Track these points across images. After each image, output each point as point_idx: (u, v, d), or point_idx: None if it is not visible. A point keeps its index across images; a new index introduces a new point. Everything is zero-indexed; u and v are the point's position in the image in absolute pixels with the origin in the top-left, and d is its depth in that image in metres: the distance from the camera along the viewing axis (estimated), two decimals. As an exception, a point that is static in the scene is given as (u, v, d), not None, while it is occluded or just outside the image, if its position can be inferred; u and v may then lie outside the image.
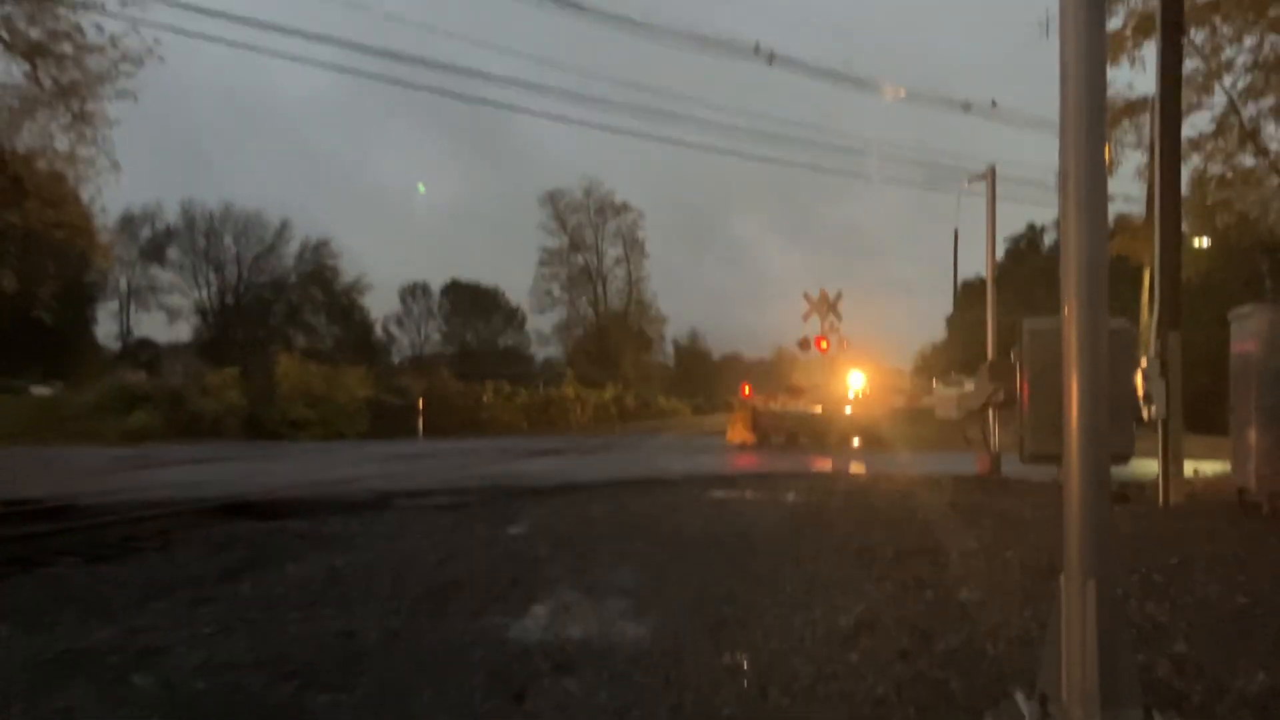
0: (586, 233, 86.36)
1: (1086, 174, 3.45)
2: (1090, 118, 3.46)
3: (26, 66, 21.44)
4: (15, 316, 30.88)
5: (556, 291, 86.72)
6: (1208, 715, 3.91)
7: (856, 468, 17.44)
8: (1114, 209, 22.83)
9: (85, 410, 32.39)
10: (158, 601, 6.06)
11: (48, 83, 21.43)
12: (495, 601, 6.11)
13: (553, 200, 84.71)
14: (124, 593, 6.35)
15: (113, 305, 68.63)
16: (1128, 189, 23.10)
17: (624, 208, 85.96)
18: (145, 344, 71.99)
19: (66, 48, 21.23)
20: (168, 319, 71.78)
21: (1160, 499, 11.72)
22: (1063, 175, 3.50)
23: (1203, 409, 22.38)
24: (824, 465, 18.70)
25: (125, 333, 70.64)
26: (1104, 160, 3.52)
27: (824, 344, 29.41)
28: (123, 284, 68.72)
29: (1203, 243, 23.48)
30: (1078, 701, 3.30)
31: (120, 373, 38.81)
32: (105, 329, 67.15)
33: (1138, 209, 21.34)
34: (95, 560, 7.64)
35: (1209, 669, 4.57)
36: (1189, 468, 13.19)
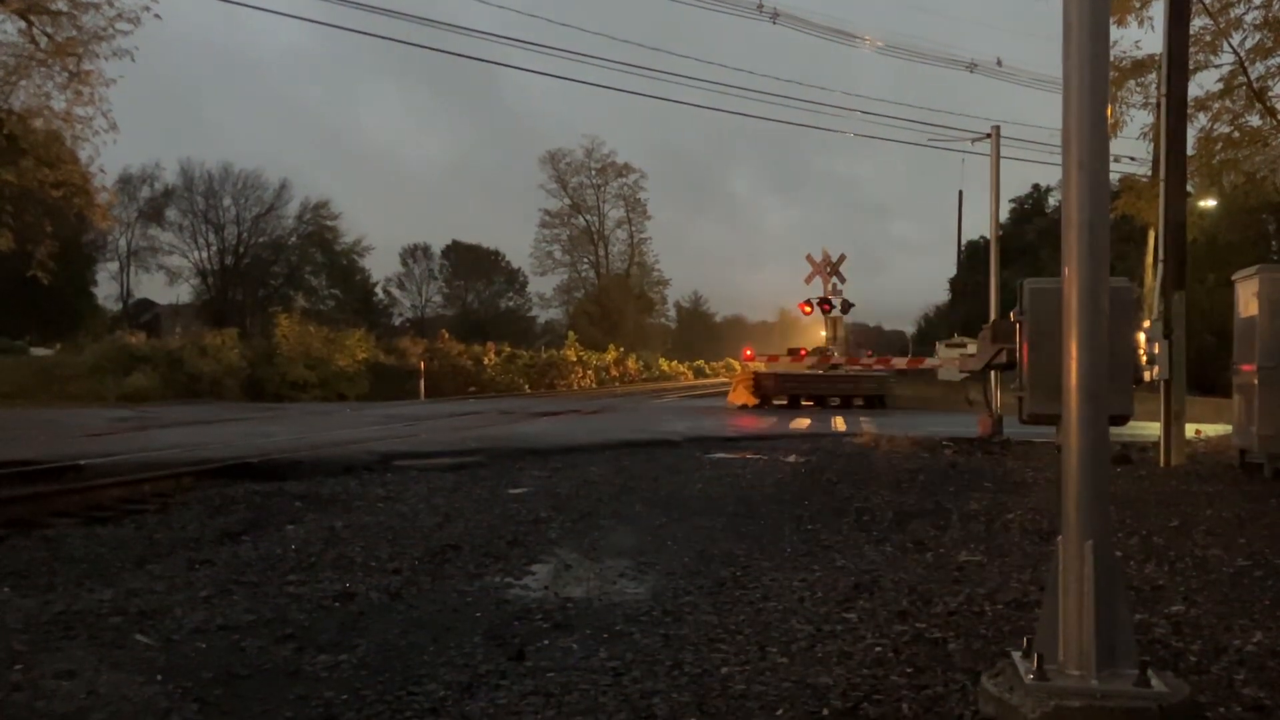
0: (588, 194, 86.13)
1: (1088, 133, 3.40)
2: (1093, 76, 3.41)
3: (21, 24, 21.24)
4: (13, 277, 30.80)
5: (558, 253, 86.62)
6: (1203, 674, 3.91)
7: (858, 429, 17.44)
8: (1120, 169, 22.68)
9: (84, 371, 32.35)
10: (156, 563, 6.07)
11: (43, 41, 21.24)
12: (495, 562, 6.12)
13: (553, 161, 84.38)
14: (122, 554, 6.36)
15: (112, 266, 68.50)
16: (1134, 149, 22.90)
17: (626, 168, 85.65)
18: (145, 305, 71.95)
19: (61, 4, 21.02)
20: (168, 280, 71.57)
21: (1162, 460, 11.72)
22: (1065, 134, 3.45)
23: (1207, 370, 22.38)
24: (825, 427, 18.70)
25: (125, 294, 70.54)
26: (1106, 119, 3.47)
27: (826, 306, 29.40)
28: (122, 245, 68.54)
29: (1209, 203, 23.32)
30: (1074, 661, 3.30)
31: (120, 334, 38.70)
32: (105, 290, 67.04)
33: (1144, 169, 21.19)
34: (93, 522, 7.64)
35: (1206, 629, 4.58)
36: (1191, 429, 13.19)
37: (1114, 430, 12.08)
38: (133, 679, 3.88)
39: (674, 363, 75.23)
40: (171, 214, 70.45)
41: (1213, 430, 15.17)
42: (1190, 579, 5.65)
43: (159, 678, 3.91)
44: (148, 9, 21.30)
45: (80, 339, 37.25)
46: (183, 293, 72.17)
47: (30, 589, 5.43)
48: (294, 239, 74.72)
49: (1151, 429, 12.53)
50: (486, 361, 45.25)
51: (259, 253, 72.95)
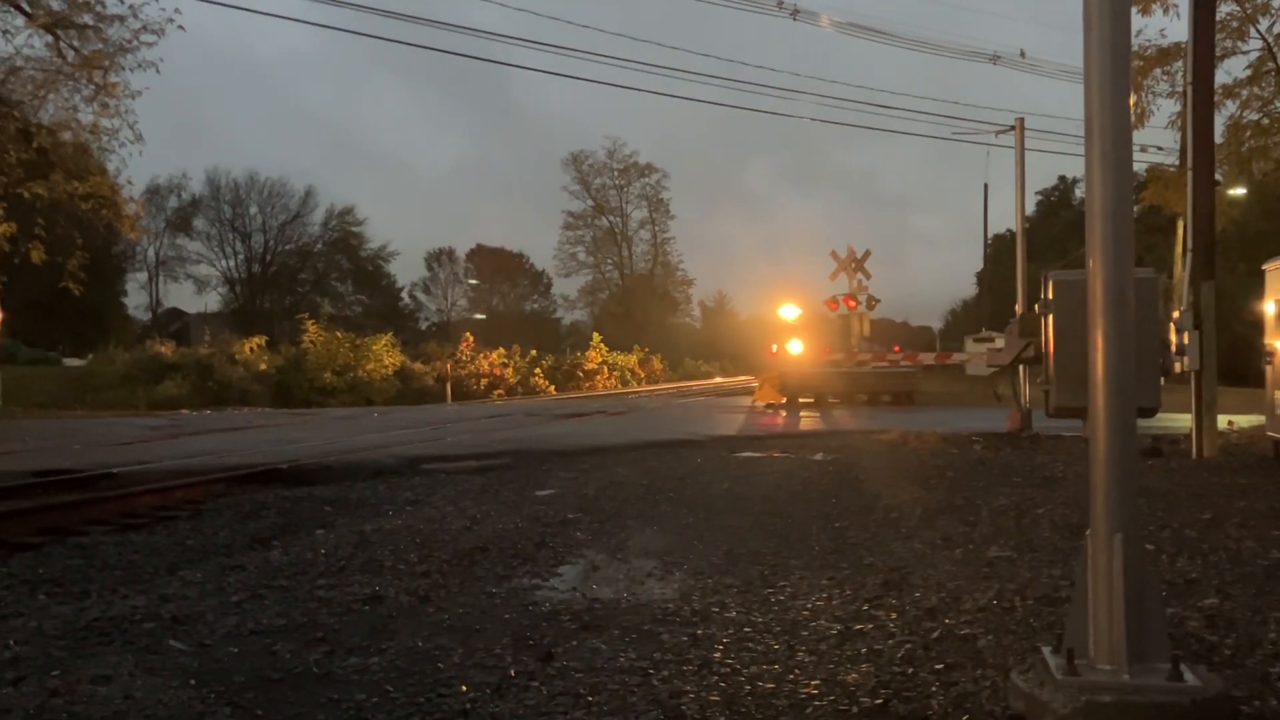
0: (610, 195, 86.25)
1: (1111, 123, 3.38)
2: (1115, 66, 3.38)
3: (48, 38, 21.53)
4: (46, 289, 31.21)
5: (582, 255, 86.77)
6: (1238, 668, 3.87)
7: (885, 426, 17.36)
8: (1148, 159, 22.49)
9: (116, 380, 32.72)
10: (189, 569, 6.13)
11: (70, 54, 21.51)
12: (523, 564, 6.14)
13: (576, 162, 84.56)
14: (155, 561, 6.43)
15: (141, 276, 69.36)
16: (1161, 139, 22.71)
17: (648, 168, 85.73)
18: (174, 314, 72.75)
19: (87, 18, 21.29)
20: (196, 289, 72.54)
21: (1194, 452, 11.60)
22: (1087, 126, 3.43)
23: (1238, 360, 22.11)
24: (852, 424, 18.64)
25: (154, 303, 71.37)
26: (1129, 109, 3.44)
27: (852, 303, 29.24)
28: (151, 255, 69.36)
29: (1238, 192, 23.07)
30: (1105, 656, 3.27)
31: (150, 343, 39.13)
32: (135, 300, 67.95)
33: (1172, 159, 21.00)
34: (127, 529, 7.72)
35: (1240, 622, 4.53)
36: (1223, 420, 13.04)
37: (1145, 422, 11.93)
38: (167, 683, 3.92)
39: (699, 362, 75.13)
40: (199, 223, 71.36)
41: (1245, 421, 14.99)
42: (1224, 572, 5.59)
43: (193, 682, 3.95)
44: (171, 20, 21.56)
45: (111, 349, 37.63)
46: (211, 301, 73.08)
47: (67, 596, 5.50)
48: (320, 246, 75.38)
49: (1183, 421, 12.40)
50: (512, 364, 45.37)
51: (286, 260, 73.62)
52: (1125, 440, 3.36)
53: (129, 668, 4.12)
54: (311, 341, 37.58)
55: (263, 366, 35.45)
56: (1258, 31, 17.03)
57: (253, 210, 72.14)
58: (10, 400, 25.66)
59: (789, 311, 29.40)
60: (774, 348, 30.22)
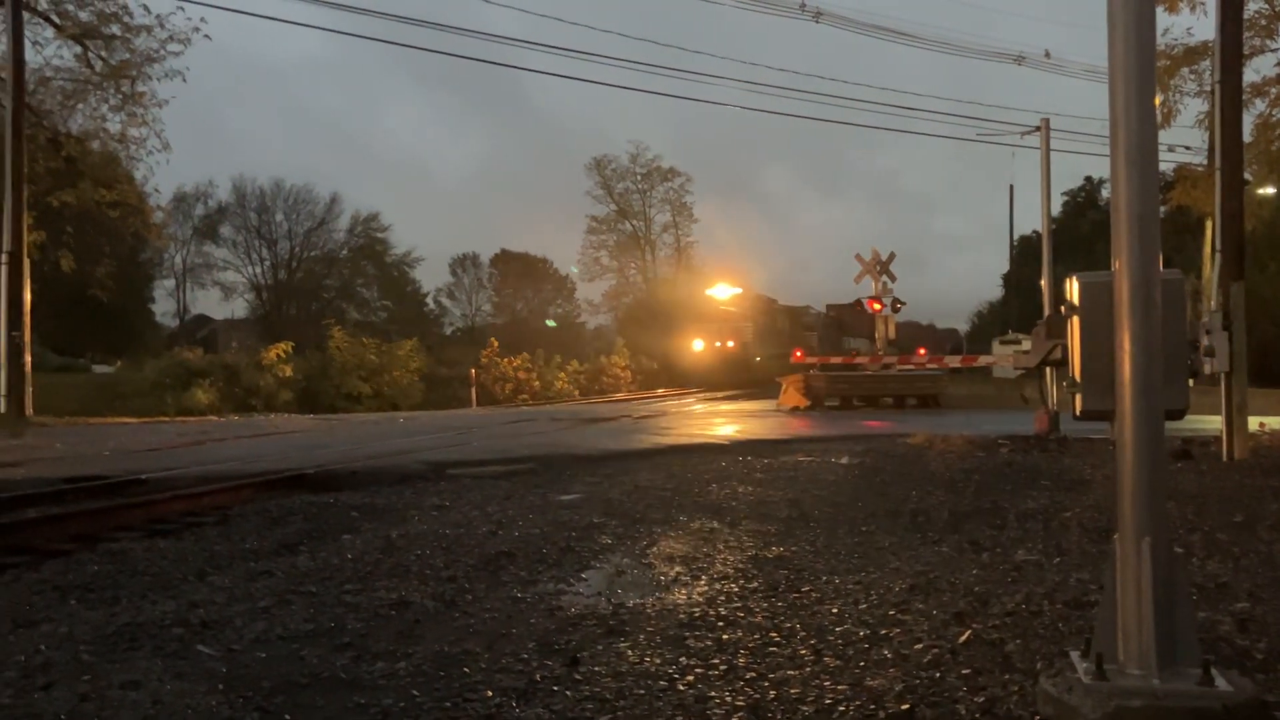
0: (634, 199, 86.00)
1: (1136, 125, 3.35)
2: (1140, 66, 3.35)
3: (77, 49, 21.82)
4: (74, 296, 31.54)
5: (605, 259, 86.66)
6: (1270, 673, 3.83)
7: (911, 429, 17.27)
8: (1176, 159, 22.30)
9: (144, 387, 32.98)
10: (216, 575, 6.17)
11: (98, 64, 21.78)
12: (548, 569, 6.15)
13: (599, 167, 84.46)
14: (183, 567, 6.47)
15: (169, 283, 70.03)
16: (1189, 138, 22.49)
17: (671, 172, 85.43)
18: (201, 320, 73.37)
19: (115, 29, 21.56)
20: (223, 295, 73.04)
21: (1224, 455, 11.48)
22: (1112, 127, 3.40)
23: (1269, 361, 21.89)
24: (878, 427, 18.55)
25: (181, 310, 72.02)
26: (1154, 110, 3.42)
27: (877, 305, 29.18)
28: (178, 262, 70.00)
29: (1268, 191, 22.82)
30: (1134, 660, 3.24)
31: (177, 350, 39.48)
32: (163, 307, 68.63)
33: (1200, 159, 20.81)
34: (155, 535, 7.77)
35: (1273, 626, 4.48)
36: (1254, 422, 12.90)
37: (1175, 425, 11.80)
38: (196, 689, 3.95)
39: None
40: (225, 230, 71.89)
41: (1277, 423, 14.82)
42: (1255, 575, 5.53)
43: (221, 687, 3.97)
44: (197, 30, 21.81)
45: (139, 356, 37.96)
46: (238, 308, 73.56)
47: (97, 602, 5.55)
48: (345, 252, 75.72)
49: (1213, 423, 12.27)
50: (537, 369, 45.45)
51: (311, 266, 74.02)
52: (1153, 443, 3.34)
53: (158, 673, 4.15)
54: (337, 347, 37.78)
55: (289, 373, 35.65)
56: (1286, 29, 16.87)
57: (278, 217, 72.63)
58: (40, 407, 25.90)
59: (721, 291, 28.79)
60: (798, 351, 30.11)
